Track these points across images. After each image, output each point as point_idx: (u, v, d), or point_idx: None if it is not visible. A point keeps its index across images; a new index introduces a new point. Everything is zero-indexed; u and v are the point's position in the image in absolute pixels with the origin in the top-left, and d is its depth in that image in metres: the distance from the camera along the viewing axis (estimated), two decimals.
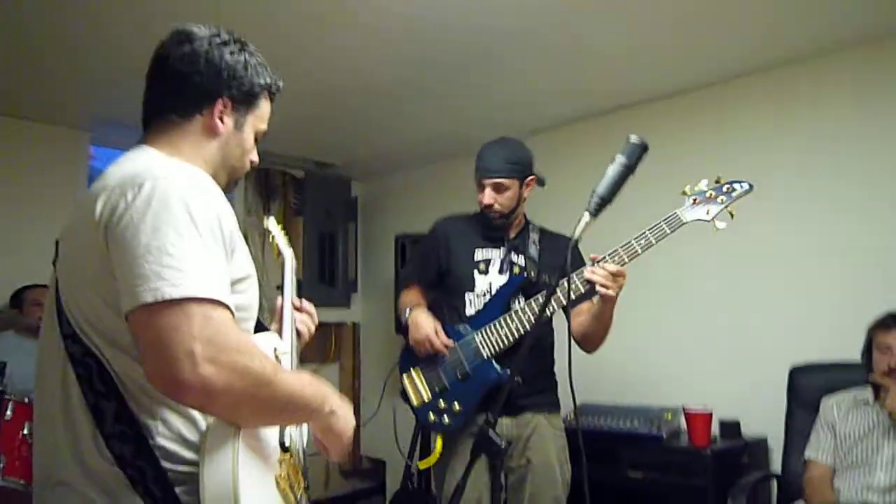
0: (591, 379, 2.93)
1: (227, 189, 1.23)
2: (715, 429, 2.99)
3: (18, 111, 3.74)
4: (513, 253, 2.37)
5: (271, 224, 1.76)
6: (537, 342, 2.14)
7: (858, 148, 2.97)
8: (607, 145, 1.69)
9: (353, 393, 5.13)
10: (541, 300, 2.06)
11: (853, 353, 2.52)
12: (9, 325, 3.25)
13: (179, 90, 1.17)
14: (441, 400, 2.27)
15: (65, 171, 3.97)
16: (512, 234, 2.41)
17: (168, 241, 0.95)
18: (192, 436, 1.05)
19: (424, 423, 2.31)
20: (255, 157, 1.30)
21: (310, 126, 4.09)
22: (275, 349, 1.31)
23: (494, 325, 2.22)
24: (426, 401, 2.31)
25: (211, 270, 0.97)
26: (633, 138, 1.53)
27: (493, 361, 2.22)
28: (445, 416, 2.26)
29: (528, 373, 2.18)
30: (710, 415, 2.92)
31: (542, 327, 2.13)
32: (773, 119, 3.24)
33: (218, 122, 1.19)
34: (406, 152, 4.80)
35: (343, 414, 1.19)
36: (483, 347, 2.24)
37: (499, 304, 2.28)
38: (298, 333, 1.56)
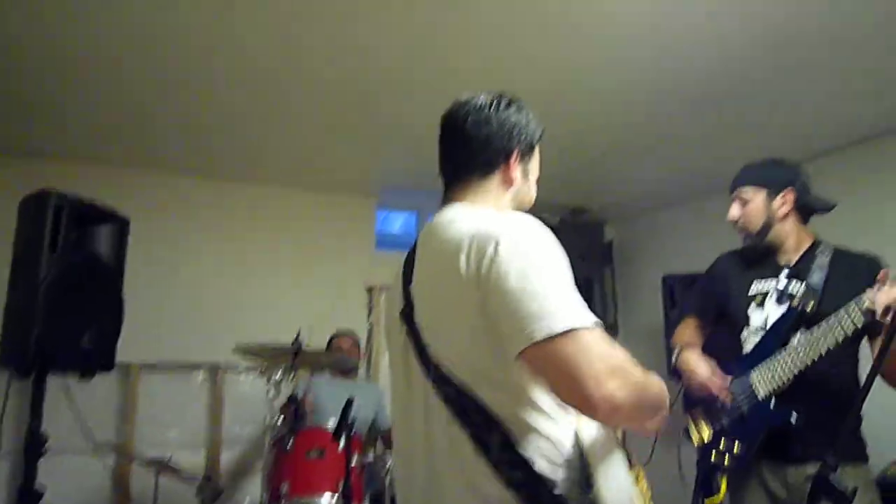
0: None
1: None
2: None
3: (315, 185, 4.61)
4: (793, 281, 2.12)
5: None
6: (826, 380, 1.93)
7: None
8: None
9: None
10: (816, 332, 1.92)
11: None
12: (326, 367, 3.88)
13: (479, 152, 1.33)
14: (722, 440, 2.16)
15: (356, 234, 4.81)
16: (793, 259, 2.17)
17: (540, 283, 1.08)
18: (558, 459, 1.14)
19: (706, 463, 2.21)
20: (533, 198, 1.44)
21: (562, 173, 4.21)
22: None
23: (770, 363, 2.05)
24: (705, 440, 2.22)
25: (577, 301, 1.09)
26: None
27: (771, 401, 2.04)
28: (726, 456, 2.14)
29: (817, 415, 1.92)
30: None
31: (835, 362, 1.93)
32: None
33: (513, 174, 1.34)
34: (664, 192, 4.68)
35: None
36: (758, 386, 2.07)
37: (773, 340, 2.08)
38: None
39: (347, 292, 4.63)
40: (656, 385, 1.13)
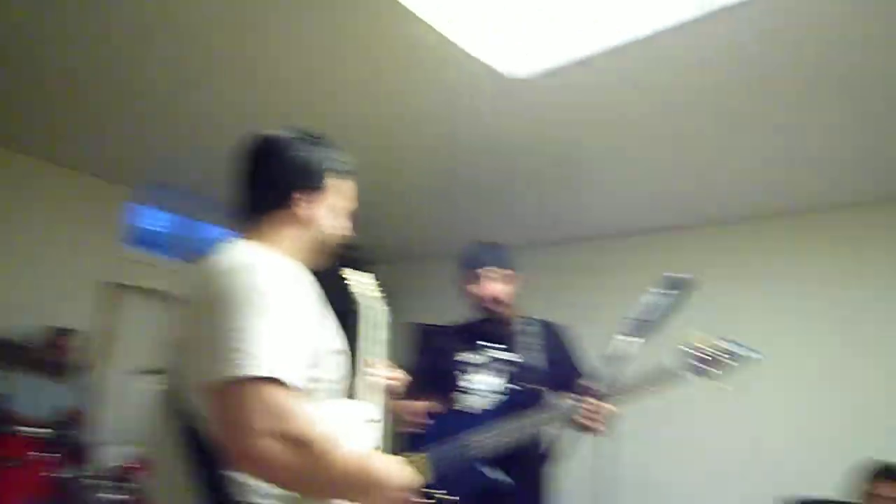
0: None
1: (322, 264, 1.34)
2: None
3: (67, 161, 4.15)
4: (504, 352, 2.23)
5: (347, 272, 1.65)
6: (529, 449, 2.04)
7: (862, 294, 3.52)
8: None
9: None
10: (533, 417, 1.95)
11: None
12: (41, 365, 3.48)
13: (262, 190, 1.30)
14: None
15: (104, 225, 4.42)
16: (506, 332, 2.26)
17: (239, 324, 1.03)
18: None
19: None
20: (347, 231, 1.38)
21: None
22: (364, 418, 1.31)
23: (492, 430, 1.96)
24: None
25: (278, 350, 1.03)
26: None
27: (486, 466, 2.03)
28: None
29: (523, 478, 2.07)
30: None
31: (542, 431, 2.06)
32: (784, 263, 3.79)
33: (298, 212, 1.29)
34: (432, 242, 4.91)
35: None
36: (475, 449, 1.99)
37: (497, 411, 2.08)
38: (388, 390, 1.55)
39: (81, 286, 4.21)
40: (355, 462, 1.09)
